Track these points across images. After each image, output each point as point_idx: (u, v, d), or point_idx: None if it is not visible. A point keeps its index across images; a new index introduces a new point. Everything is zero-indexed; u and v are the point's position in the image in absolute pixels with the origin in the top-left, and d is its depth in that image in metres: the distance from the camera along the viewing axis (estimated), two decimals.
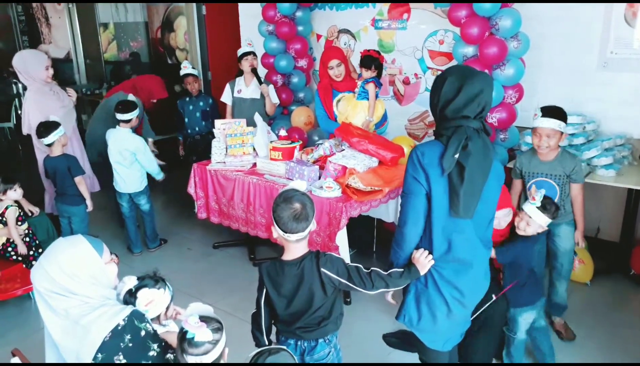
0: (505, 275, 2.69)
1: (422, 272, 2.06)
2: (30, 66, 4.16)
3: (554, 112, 2.90)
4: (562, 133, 2.93)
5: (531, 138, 3.05)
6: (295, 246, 2.03)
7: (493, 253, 2.55)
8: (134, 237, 4.53)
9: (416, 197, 1.98)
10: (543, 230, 2.64)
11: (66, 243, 1.87)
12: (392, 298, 2.25)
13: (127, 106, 4.26)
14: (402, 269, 2.07)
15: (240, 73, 4.67)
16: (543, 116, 2.92)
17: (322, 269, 2.00)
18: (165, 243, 4.73)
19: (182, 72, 5.17)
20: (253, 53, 4.55)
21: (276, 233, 2.02)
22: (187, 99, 5.24)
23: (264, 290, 2.08)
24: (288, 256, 2.05)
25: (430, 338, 2.18)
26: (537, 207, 2.57)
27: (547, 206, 2.59)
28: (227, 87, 4.73)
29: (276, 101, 4.67)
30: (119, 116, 4.22)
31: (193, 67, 5.27)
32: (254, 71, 4.52)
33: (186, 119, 5.24)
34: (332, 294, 2.07)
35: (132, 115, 4.24)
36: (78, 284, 1.79)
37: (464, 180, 1.89)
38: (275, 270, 2.06)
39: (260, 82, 4.51)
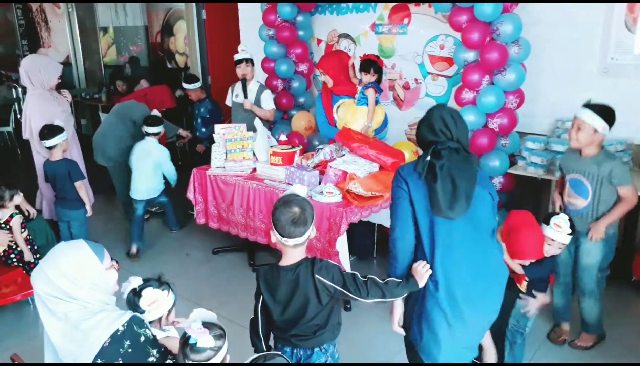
0: (534, 282, 2.72)
1: (421, 283, 2.03)
2: (44, 73, 4.22)
3: (598, 108, 2.80)
4: (596, 131, 2.78)
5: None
6: (293, 252, 2.01)
7: (519, 269, 2.63)
8: (135, 236, 4.56)
9: (402, 200, 2.07)
10: None
11: (67, 247, 1.86)
12: (399, 324, 2.20)
13: (155, 121, 4.63)
14: (400, 279, 2.05)
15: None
16: (585, 106, 2.83)
17: (316, 275, 1.98)
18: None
19: (183, 85, 5.42)
20: (246, 60, 4.50)
21: (274, 237, 2.00)
22: (193, 105, 5.54)
23: (261, 296, 2.07)
24: (285, 261, 2.04)
25: (428, 351, 2.12)
26: (568, 233, 2.60)
27: (572, 227, 2.62)
28: (229, 90, 4.80)
29: (268, 107, 4.60)
30: (148, 129, 4.57)
31: (191, 80, 5.34)
32: (243, 81, 4.53)
33: (192, 122, 5.55)
34: (329, 303, 2.04)
35: (160, 129, 4.63)
36: (77, 288, 1.78)
37: (436, 176, 1.99)
38: (272, 275, 2.05)
39: (246, 95, 4.53)
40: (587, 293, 3.04)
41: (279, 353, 2.00)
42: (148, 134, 4.57)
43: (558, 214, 2.66)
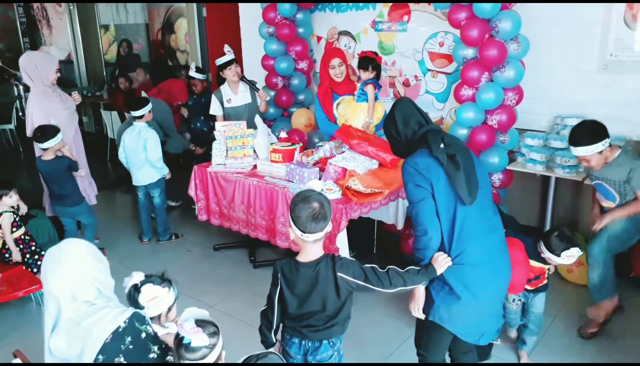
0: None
1: (439, 271, 2.11)
2: (41, 67, 4.21)
3: (581, 138, 2.80)
4: (601, 152, 2.79)
5: None
6: (312, 248, 2.03)
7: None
8: (146, 226, 4.74)
9: (427, 200, 2.10)
10: None
11: (68, 244, 1.89)
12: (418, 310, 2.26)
13: (139, 103, 4.51)
14: (420, 267, 2.11)
15: (222, 81, 4.58)
16: (570, 144, 2.84)
17: (339, 273, 2.01)
18: (177, 238, 4.84)
19: (190, 73, 5.54)
20: (236, 61, 4.46)
21: (293, 233, 2.02)
22: (194, 96, 5.56)
23: (279, 286, 2.08)
24: (304, 257, 2.05)
25: (463, 330, 2.22)
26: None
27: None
28: (214, 98, 4.55)
29: (267, 97, 4.66)
30: (134, 113, 4.45)
31: (197, 70, 5.53)
32: (244, 79, 4.49)
33: (193, 116, 5.49)
34: (345, 297, 2.08)
35: (144, 111, 4.44)
36: (82, 285, 1.81)
37: (459, 165, 2.08)
38: (290, 269, 2.07)
39: (255, 89, 4.51)
40: (590, 257, 3.07)
41: (272, 350, 2.02)
42: (135, 118, 4.46)
43: (568, 248, 2.58)
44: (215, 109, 4.57)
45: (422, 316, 2.25)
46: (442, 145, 2.11)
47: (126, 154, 4.52)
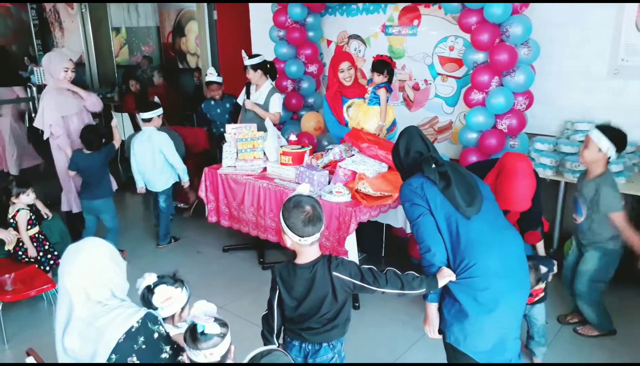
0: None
1: (440, 283, 2.09)
2: (52, 64, 4.30)
3: (607, 129, 2.84)
4: (600, 150, 2.83)
5: None
6: (309, 250, 2.05)
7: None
8: (162, 231, 4.76)
9: (424, 217, 2.14)
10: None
11: (86, 244, 1.93)
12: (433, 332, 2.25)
13: (148, 106, 4.50)
14: (419, 275, 2.10)
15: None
16: (596, 126, 2.91)
17: (334, 272, 2.02)
18: (176, 241, 4.84)
19: (207, 79, 5.37)
20: (250, 66, 4.50)
21: (290, 240, 2.02)
22: (212, 102, 5.41)
23: (277, 291, 2.10)
24: (301, 259, 2.07)
25: (485, 355, 2.16)
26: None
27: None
28: (244, 89, 4.78)
29: (273, 110, 4.55)
30: (143, 116, 4.42)
31: (218, 75, 5.42)
32: (247, 83, 4.61)
33: (217, 122, 5.41)
34: (343, 298, 2.09)
35: (153, 114, 4.41)
36: (99, 285, 1.84)
37: (451, 179, 2.12)
38: (288, 272, 2.08)
39: (248, 96, 4.61)
40: (579, 295, 3.16)
41: (275, 347, 2.04)
42: (143, 120, 4.43)
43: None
44: (242, 97, 4.77)
45: (438, 337, 2.24)
46: (433, 166, 2.18)
47: (136, 160, 4.48)
